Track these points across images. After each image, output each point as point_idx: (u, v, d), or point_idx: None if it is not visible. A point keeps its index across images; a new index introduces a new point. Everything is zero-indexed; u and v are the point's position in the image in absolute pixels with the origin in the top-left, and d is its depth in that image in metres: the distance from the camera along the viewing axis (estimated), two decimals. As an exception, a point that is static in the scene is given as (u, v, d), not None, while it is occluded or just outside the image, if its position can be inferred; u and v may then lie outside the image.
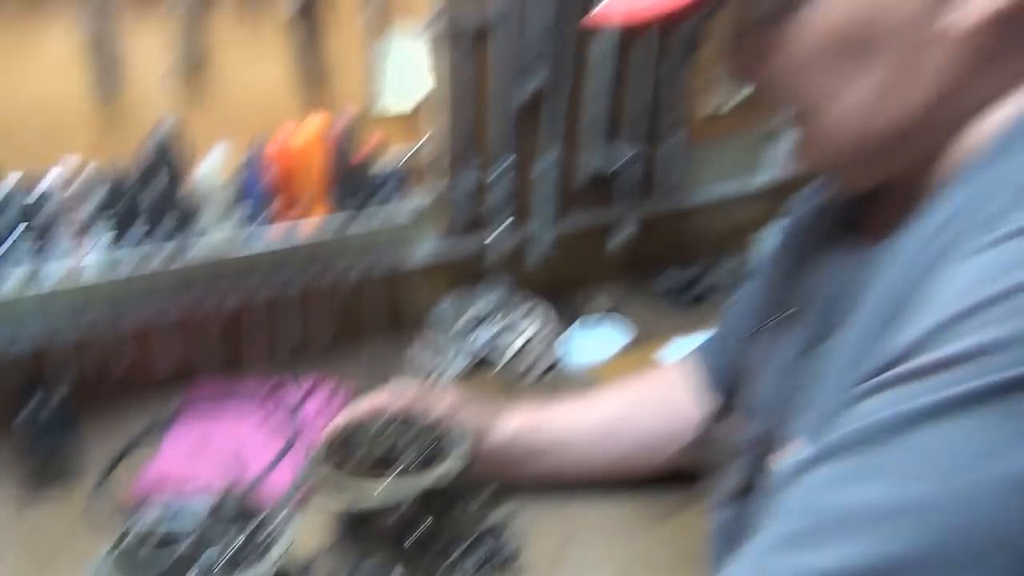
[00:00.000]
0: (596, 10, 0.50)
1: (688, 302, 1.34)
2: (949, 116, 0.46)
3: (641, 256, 1.38)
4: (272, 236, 0.97)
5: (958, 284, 0.37)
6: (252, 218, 0.96)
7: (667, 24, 0.50)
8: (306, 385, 1.01)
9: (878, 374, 0.39)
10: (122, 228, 0.89)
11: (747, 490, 0.59)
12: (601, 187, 1.27)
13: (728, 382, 0.73)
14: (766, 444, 0.57)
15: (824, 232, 0.61)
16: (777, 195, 1.19)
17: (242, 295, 1.04)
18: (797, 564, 0.37)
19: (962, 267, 0.38)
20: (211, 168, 0.91)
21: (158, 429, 0.95)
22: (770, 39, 0.47)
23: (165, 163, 0.87)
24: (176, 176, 0.88)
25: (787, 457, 0.50)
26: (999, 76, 0.44)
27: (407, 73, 1.08)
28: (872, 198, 0.56)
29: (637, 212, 1.29)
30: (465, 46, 1.07)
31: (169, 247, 0.91)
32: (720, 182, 1.42)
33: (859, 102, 0.46)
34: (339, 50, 1.02)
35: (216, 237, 0.94)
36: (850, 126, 0.47)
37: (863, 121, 0.46)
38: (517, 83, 1.12)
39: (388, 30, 1.04)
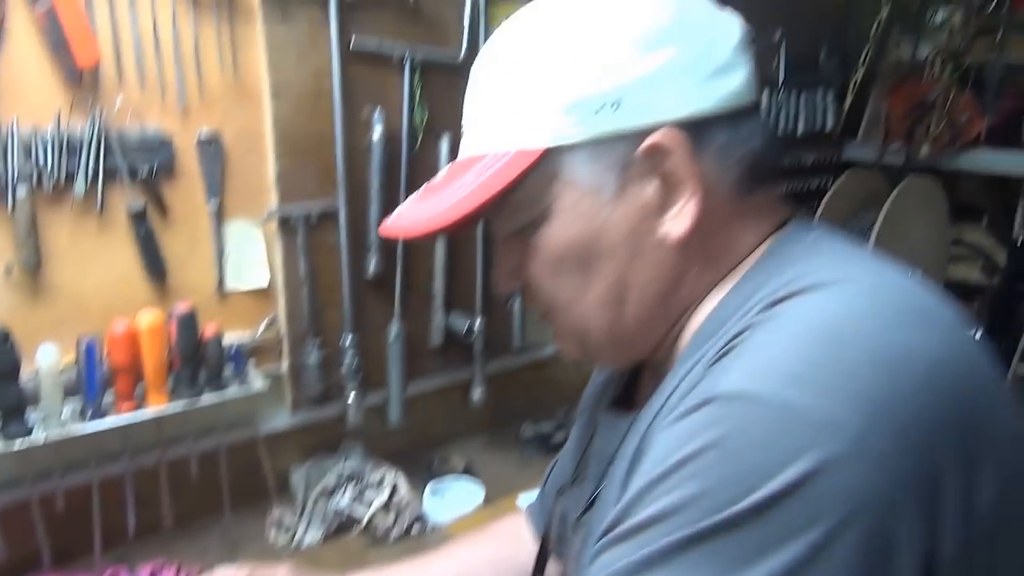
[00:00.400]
0: (385, 223, 0.59)
1: (547, 452, 1.39)
2: (671, 310, 0.55)
3: (500, 410, 1.45)
4: (112, 422, 0.98)
5: (656, 453, 0.45)
6: (90, 405, 0.97)
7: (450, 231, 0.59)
8: (146, 571, 0.99)
9: (610, 531, 0.46)
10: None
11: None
12: (453, 351, 1.36)
13: (547, 535, 0.78)
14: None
15: (607, 400, 0.69)
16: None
17: (80, 482, 1.02)
18: None
19: (662, 436, 0.46)
20: (47, 360, 0.93)
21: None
22: (521, 249, 0.56)
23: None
24: (7, 371, 0.89)
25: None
26: (704, 275, 0.54)
27: (254, 253, 1.15)
28: (636, 373, 0.65)
29: (486, 371, 1.37)
30: (301, 235, 1.16)
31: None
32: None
33: (594, 303, 0.55)
34: (184, 237, 1.08)
35: (52, 425, 0.94)
36: (590, 322, 0.56)
37: (600, 318, 0.55)
38: (358, 265, 1.21)
39: (231, 217, 1.11)
